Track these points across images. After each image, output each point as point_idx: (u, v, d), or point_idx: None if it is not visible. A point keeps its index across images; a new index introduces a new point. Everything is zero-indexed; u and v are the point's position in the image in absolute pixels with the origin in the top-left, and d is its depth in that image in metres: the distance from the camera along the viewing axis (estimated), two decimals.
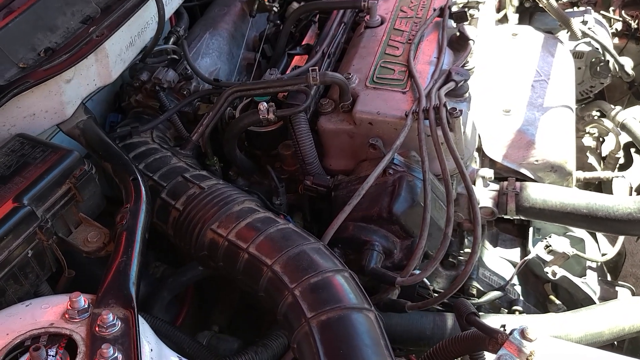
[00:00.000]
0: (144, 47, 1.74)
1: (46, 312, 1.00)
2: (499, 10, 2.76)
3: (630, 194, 2.26)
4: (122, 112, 1.92)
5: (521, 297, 1.77)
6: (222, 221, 1.36)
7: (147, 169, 1.55)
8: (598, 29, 2.55)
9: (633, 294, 1.93)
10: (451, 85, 1.65)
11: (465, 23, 1.93)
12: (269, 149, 1.78)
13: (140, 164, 1.56)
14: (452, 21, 1.95)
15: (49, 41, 1.49)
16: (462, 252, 1.77)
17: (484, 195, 1.75)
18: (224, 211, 1.37)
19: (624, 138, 2.50)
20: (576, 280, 1.83)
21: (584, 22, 2.51)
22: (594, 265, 1.99)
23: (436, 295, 1.53)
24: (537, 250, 1.81)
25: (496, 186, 1.77)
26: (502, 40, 2.34)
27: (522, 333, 1.01)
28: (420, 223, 1.42)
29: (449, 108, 1.56)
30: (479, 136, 1.93)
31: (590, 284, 1.88)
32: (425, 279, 1.50)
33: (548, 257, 1.79)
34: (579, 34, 2.42)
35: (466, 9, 2.00)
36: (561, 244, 1.79)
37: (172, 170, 1.55)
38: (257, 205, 1.44)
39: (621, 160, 2.56)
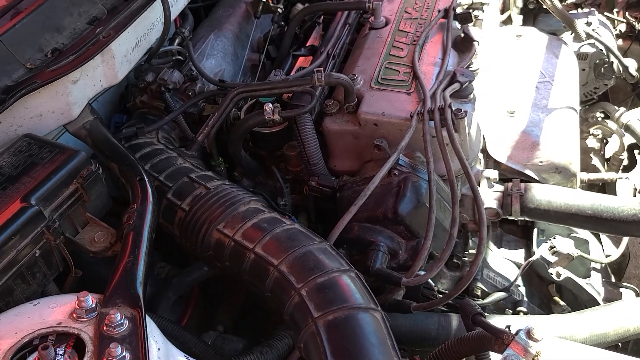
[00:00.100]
0: (149, 48, 1.75)
1: (54, 311, 1.01)
2: (503, 11, 2.76)
3: (635, 195, 2.26)
4: (127, 113, 1.92)
5: (525, 298, 1.76)
6: (229, 221, 1.36)
7: (153, 169, 1.56)
8: (602, 31, 2.55)
9: (637, 295, 1.93)
10: (456, 86, 1.65)
11: (469, 24, 1.93)
12: (274, 150, 1.78)
13: (146, 164, 1.57)
14: (457, 22, 1.95)
15: (56, 42, 1.49)
16: (466, 253, 1.77)
17: (489, 196, 1.75)
18: (230, 211, 1.38)
19: (628, 139, 2.50)
20: (580, 281, 1.83)
21: (588, 24, 2.51)
22: (598, 266, 1.99)
23: (441, 296, 1.53)
24: (541, 251, 1.81)
25: (501, 187, 1.77)
26: (506, 41, 2.34)
27: (528, 333, 1.01)
28: (425, 224, 1.42)
29: (454, 109, 1.56)
30: (484, 137, 1.93)
31: (594, 285, 1.88)
32: (429, 280, 1.50)
33: (552, 259, 1.80)
34: (583, 36, 2.42)
35: (470, 11, 2.01)
36: (565, 245, 1.80)
37: (178, 170, 1.55)
38: (262, 205, 1.44)
39: (625, 162, 2.56)
